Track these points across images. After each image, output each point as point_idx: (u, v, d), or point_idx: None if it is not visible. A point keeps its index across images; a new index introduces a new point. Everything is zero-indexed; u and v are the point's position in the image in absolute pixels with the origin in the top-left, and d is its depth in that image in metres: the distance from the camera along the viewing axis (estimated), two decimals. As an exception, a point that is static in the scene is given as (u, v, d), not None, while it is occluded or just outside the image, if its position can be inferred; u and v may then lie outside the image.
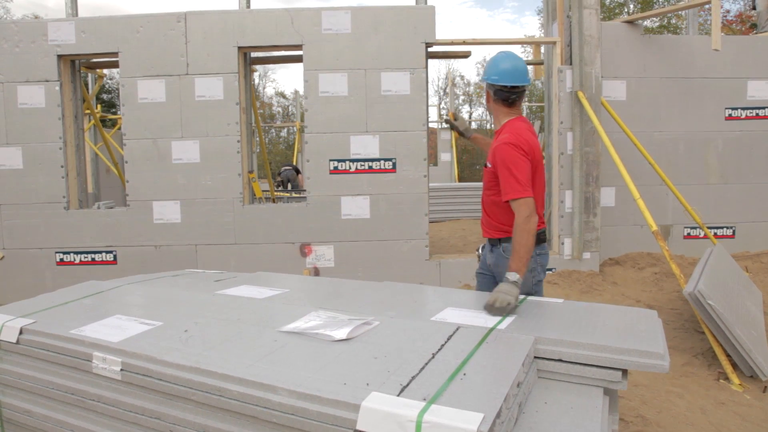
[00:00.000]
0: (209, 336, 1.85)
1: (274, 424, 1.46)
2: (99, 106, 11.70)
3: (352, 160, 5.43)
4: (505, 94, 2.61)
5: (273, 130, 30.00)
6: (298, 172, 13.10)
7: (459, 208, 10.55)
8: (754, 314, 4.18)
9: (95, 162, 10.07)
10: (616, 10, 22.88)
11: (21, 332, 2.00)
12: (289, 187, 12.87)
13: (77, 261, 5.47)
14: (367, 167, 5.43)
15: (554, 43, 5.71)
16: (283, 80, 54.17)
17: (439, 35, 5.49)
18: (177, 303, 2.29)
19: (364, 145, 5.42)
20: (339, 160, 5.43)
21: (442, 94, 31.61)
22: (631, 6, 22.76)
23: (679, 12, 12.71)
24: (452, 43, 5.70)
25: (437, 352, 1.67)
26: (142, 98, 5.38)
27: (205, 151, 5.41)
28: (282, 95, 34.22)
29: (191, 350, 1.72)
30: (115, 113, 14.57)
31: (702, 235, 5.86)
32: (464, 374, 1.52)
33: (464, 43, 5.70)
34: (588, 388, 1.73)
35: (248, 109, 5.82)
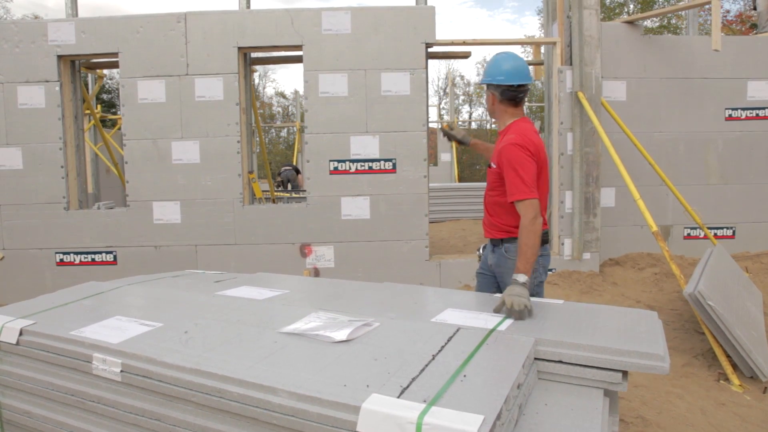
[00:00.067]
0: (209, 337, 1.85)
1: (275, 426, 1.46)
2: (99, 106, 11.70)
3: (352, 161, 5.43)
4: (512, 94, 2.61)
5: (273, 130, 30.00)
6: (298, 172, 13.11)
7: (459, 208, 10.56)
8: (754, 315, 4.18)
9: (95, 162, 10.06)
10: (617, 10, 22.88)
11: (21, 333, 2.00)
12: (289, 187, 12.87)
13: (77, 261, 5.47)
14: (367, 168, 5.43)
15: (554, 43, 5.71)
16: (283, 80, 54.22)
17: (439, 35, 5.49)
18: (177, 304, 2.29)
19: (364, 146, 5.42)
20: (339, 161, 5.43)
21: (442, 94, 31.61)
22: (631, 6, 22.77)
23: (679, 12, 12.72)
24: (452, 44, 5.70)
25: (437, 353, 1.67)
26: (142, 98, 5.38)
27: (205, 151, 5.40)
28: (282, 95, 34.24)
29: (191, 352, 1.72)
30: (115, 113, 14.57)
31: (702, 235, 5.86)
32: (464, 376, 1.52)
33: (464, 43, 5.70)
34: (588, 389, 1.73)
35: (248, 110, 5.82)
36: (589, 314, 2.16)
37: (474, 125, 27.16)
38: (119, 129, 10.14)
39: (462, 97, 33.25)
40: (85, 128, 8.63)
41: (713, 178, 6.07)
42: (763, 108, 6.03)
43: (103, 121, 12.05)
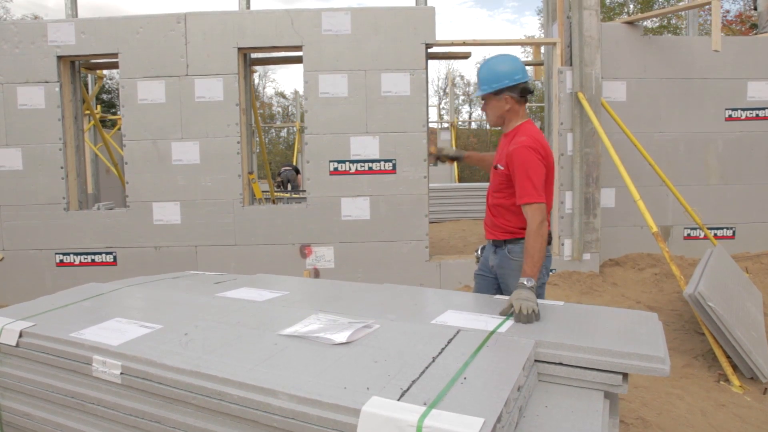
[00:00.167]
0: (209, 339, 1.85)
1: (275, 429, 1.46)
2: (99, 106, 11.70)
3: (352, 161, 5.43)
4: (526, 91, 2.63)
5: (273, 130, 30.00)
6: (297, 172, 13.11)
7: (459, 208, 10.56)
8: (755, 315, 4.18)
9: (95, 163, 10.06)
10: (617, 10, 22.88)
11: (21, 335, 2.00)
12: (289, 187, 12.87)
13: (77, 262, 5.46)
14: (367, 168, 5.43)
15: (554, 44, 5.71)
16: (282, 80, 54.24)
17: (439, 35, 5.50)
18: (177, 306, 2.28)
19: (364, 146, 5.42)
20: (339, 161, 5.43)
21: (442, 94, 31.62)
22: (631, 6, 22.77)
23: (679, 12, 12.71)
24: (452, 44, 5.70)
25: (438, 355, 1.67)
26: (142, 99, 5.38)
27: (205, 152, 5.40)
28: (282, 95, 34.25)
29: (191, 354, 1.72)
30: (115, 113, 14.57)
31: (702, 235, 5.86)
32: (465, 378, 1.51)
33: (464, 44, 5.70)
34: (588, 391, 1.73)
35: (248, 110, 5.82)
36: (590, 316, 2.16)
37: (474, 125, 27.15)
38: (119, 129, 10.14)
39: (462, 97, 33.24)
40: (85, 129, 8.63)
41: (713, 179, 6.07)
42: (763, 108, 6.03)
43: (102, 121, 12.05)
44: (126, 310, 2.24)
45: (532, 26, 51.66)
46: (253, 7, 5.61)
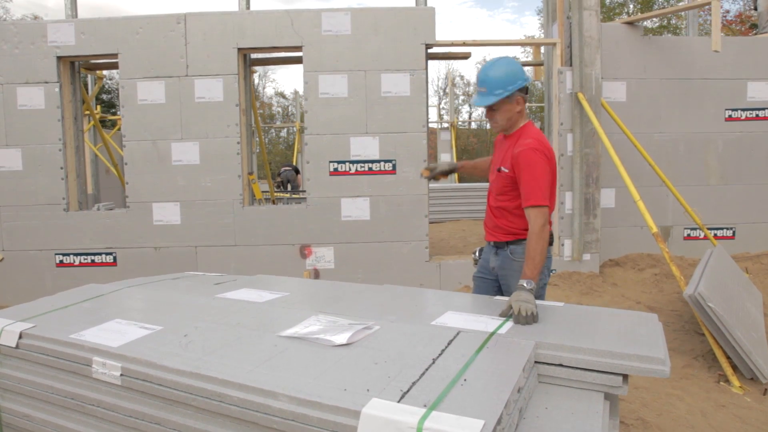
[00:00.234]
0: (209, 341, 1.85)
1: (275, 431, 1.45)
2: (99, 107, 11.70)
3: (352, 162, 5.43)
4: (527, 89, 2.62)
5: (273, 131, 30.00)
6: (297, 172, 13.11)
7: (459, 208, 10.56)
8: (755, 316, 4.18)
9: (95, 163, 10.06)
10: (617, 10, 22.89)
11: (20, 336, 2.00)
12: (289, 187, 12.87)
13: (77, 263, 5.46)
14: (367, 169, 5.43)
15: (554, 44, 5.70)
16: (282, 80, 54.28)
17: (439, 35, 5.49)
18: (177, 307, 2.28)
19: (364, 147, 5.42)
20: (339, 162, 5.43)
21: (441, 94, 31.62)
22: (631, 6, 22.78)
23: (679, 12, 12.72)
24: (452, 45, 5.70)
25: (438, 357, 1.67)
26: (141, 100, 5.38)
27: (205, 152, 5.40)
28: (282, 95, 34.27)
29: (191, 355, 1.72)
30: (114, 113, 14.57)
31: (702, 236, 5.86)
32: (465, 380, 1.51)
33: (464, 44, 5.70)
34: (589, 393, 1.73)
35: (248, 111, 5.82)
36: (590, 317, 2.16)
37: (474, 125, 27.16)
38: (119, 129, 10.13)
39: (462, 97, 33.25)
40: (85, 129, 8.62)
41: (713, 179, 6.07)
42: (763, 109, 6.03)
43: (102, 121, 12.05)
44: (126, 312, 2.23)
45: (532, 26, 51.69)
46: (253, 7, 5.61)
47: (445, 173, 3.03)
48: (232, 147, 5.40)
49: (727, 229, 6.11)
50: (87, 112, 8.12)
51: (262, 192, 6.92)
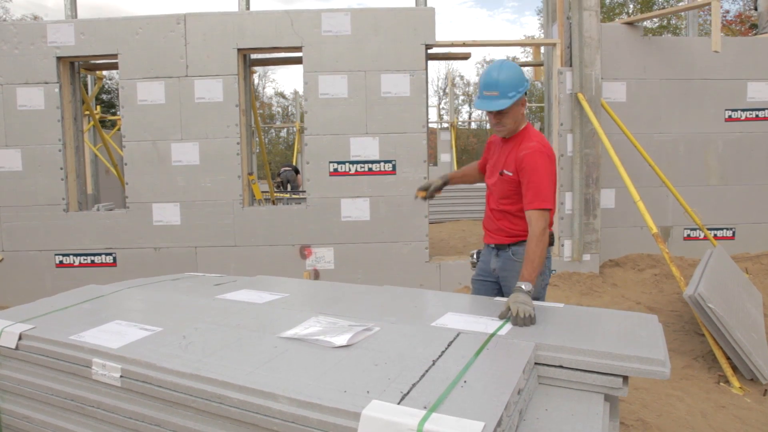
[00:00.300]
0: (209, 342, 1.85)
1: (275, 432, 1.45)
2: (98, 107, 11.69)
3: (352, 162, 5.43)
4: None
5: (272, 131, 30.00)
6: (297, 172, 13.10)
7: (459, 209, 10.56)
8: (755, 317, 4.18)
9: (95, 163, 10.06)
10: (617, 10, 22.90)
11: (20, 338, 2.00)
12: (289, 188, 12.86)
13: (77, 263, 5.46)
14: (366, 169, 5.43)
15: (554, 44, 5.70)
16: (282, 80, 54.31)
17: (439, 35, 5.49)
18: (177, 308, 2.28)
19: (364, 147, 5.42)
20: (339, 162, 5.42)
21: (441, 94, 31.63)
22: (631, 6, 22.79)
23: (679, 13, 12.73)
24: (452, 45, 5.70)
25: (438, 358, 1.67)
26: (141, 100, 5.37)
27: (205, 153, 5.40)
28: (281, 95, 34.27)
29: (191, 357, 1.72)
30: (114, 113, 14.57)
31: (702, 236, 5.86)
32: (465, 381, 1.51)
33: (464, 44, 5.70)
34: (589, 394, 1.73)
35: (248, 111, 5.82)
36: (590, 318, 2.16)
37: (474, 125, 27.18)
38: (119, 130, 10.13)
39: (462, 97, 33.26)
40: (85, 129, 8.62)
41: (713, 179, 6.07)
42: (763, 109, 6.03)
43: (102, 121, 12.04)
44: (126, 313, 2.23)
45: (532, 26, 51.73)
46: (252, 7, 5.61)
47: (439, 189, 2.97)
48: (232, 147, 5.40)
49: (727, 229, 6.11)
50: (87, 113, 8.12)
51: (262, 192, 6.92)
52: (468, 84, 33.69)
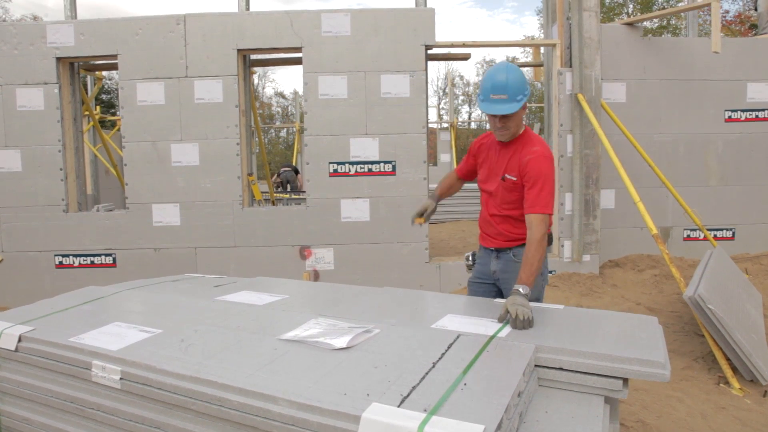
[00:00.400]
0: (209, 344, 1.84)
1: (275, 435, 1.45)
2: (98, 107, 11.69)
3: (352, 163, 5.42)
4: None
5: (272, 131, 30.01)
6: (297, 172, 13.10)
7: (459, 209, 10.55)
8: (754, 318, 4.18)
9: (94, 164, 10.06)
10: (616, 11, 22.90)
11: (20, 340, 2.00)
12: (289, 188, 12.86)
13: (76, 264, 5.46)
14: (366, 170, 5.43)
15: (554, 45, 5.70)
16: (282, 80, 54.33)
17: (439, 35, 5.49)
18: (176, 310, 2.28)
19: (364, 148, 5.42)
20: (338, 163, 5.42)
21: (441, 94, 31.63)
22: (631, 6, 22.79)
23: (679, 13, 12.73)
24: (452, 46, 5.70)
25: (438, 361, 1.67)
26: (141, 101, 5.37)
27: (205, 153, 5.40)
28: (281, 95, 34.27)
29: (191, 359, 1.71)
30: (114, 113, 14.56)
31: (702, 237, 5.86)
32: (465, 384, 1.51)
33: (464, 45, 5.70)
34: (589, 396, 1.73)
35: (248, 112, 5.82)
36: (590, 320, 2.16)
37: (474, 125, 27.17)
38: (118, 130, 10.13)
39: (462, 97, 33.26)
40: (84, 129, 8.62)
41: (713, 180, 6.07)
42: (763, 110, 6.03)
43: (102, 121, 12.04)
44: (125, 314, 2.23)
45: (531, 26, 51.75)
46: (252, 8, 5.61)
47: (434, 210, 2.90)
48: (232, 148, 5.40)
49: (727, 230, 6.11)
50: (86, 113, 8.11)
51: (262, 193, 6.92)
52: (468, 84, 33.71)
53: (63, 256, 5.45)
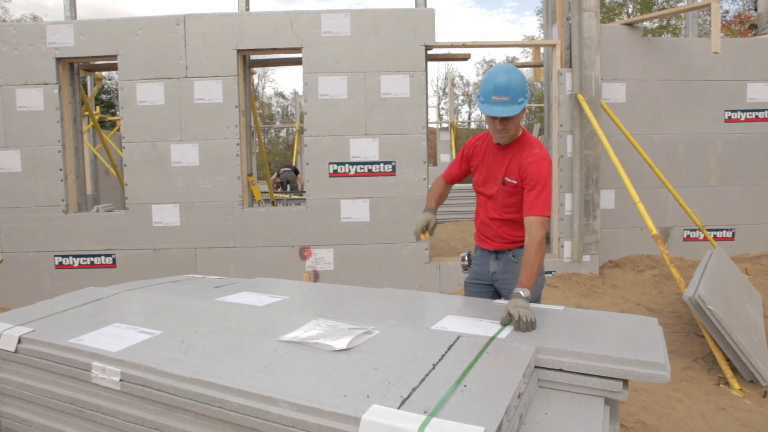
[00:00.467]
0: (209, 346, 1.84)
1: (274, 437, 1.45)
2: (98, 108, 11.69)
3: (352, 163, 5.42)
4: None
5: (272, 131, 30.01)
6: (297, 172, 13.10)
7: (459, 209, 10.54)
8: (754, 318, 4.18)
9: (94, 164, 10.05)
10: (616, 11, 22.90)
11: (19, 341, 2.00)
12: (288, 188, 12.86)
13: (76, 264, 5.46)
14: (366, 170, 5.43)
15: (554, 45, 5.70)
16: (282, 80, 54.32)
17: (439, 35, 5.50)
18: (176, 311, 2.28)
19: (364, 148, 5.41)
20: (338, 163, 5.42)
21: (441, 94, 31.64)
22: (630, 7, 22.79)
23: (679, 14, 12.73)
24: (452, 46, 5.70)
25: (438, 362, 1.67)
26: (141, 101, 5.37)
27: (205, 154, 5.40)
28: (281, 95, 34.28)
29: (191, 360, 1.71)
30: (114, 114, 14.56)
31: (702, 237, 5.86)
32: (465, 386, 1.51)
33: (464, 45, 5.70)
34: (589, 398, 1.72)
35: (247, 112, 5.81)
36: (590, 321, 2.16)
37: (474, 125, 27.17)
38: (118, 130, 10.12)
39: (461, 97, 33.27)
40: (84, 130, 8.61)
41: (713, 180, 6.07)
42: (763, 110, 6.03)
43: (102, 121, 12.04)
44: (125, 316, 2.23)
45: (531, 26, 51.76)
46: (252, 8, 5.60)
47: (436, 222, 2.81)
48: (232, 148, 5.40)
49: (727, 230, 6.11)
50: (86, 113, 8.11)
51: (262, 193, 6.92)
52: (468, 84, 33.72)
53: (63, 256, 5.45)
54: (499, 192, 2.62)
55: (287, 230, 5.45)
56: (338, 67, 5.36)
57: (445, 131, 16.59)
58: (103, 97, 20.59)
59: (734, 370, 3.69)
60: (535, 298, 2.61)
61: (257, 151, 9.79)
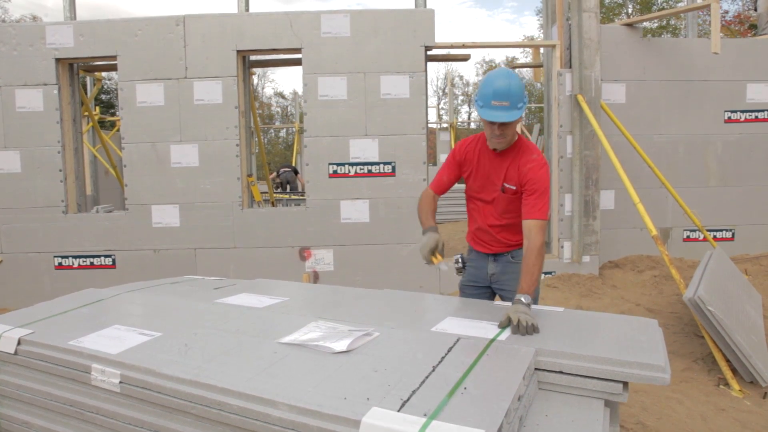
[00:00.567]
0: (208, 348, 1.84)
1: (274, 439, 1.45)
2: (98, 108, 11.68)
3: (352, 164, 5.42)
4: None
5: (272, 131, 30.02)
6: (296, 172, 13.10)
7: (459, 210, 10.54)
8: (754, 319, 4.18)
9: (94, 165, 10.04)
10: (616, 11, 22.90)
11: (19, 343, 1.99)
12: (288, 189, 12.86)
13: (76, 265, 5.45)
14: (366, 171, 5.43)
15: (554, 46, 5.70)
16: (281, 80, 54.30)
17: (438, 35, 5.49)
18: (176, 312, 2.28)
19: (363, 149, 5.41)
20: (338, 164, 5.42)
21: (441, 94, 31.64)
22: (630, 7, 22.79)
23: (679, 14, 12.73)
24: (452, 46, 5.70)
25: (438, 364, 1.67)
26: (140, 102, 5.37)
27: (204, 154, 5.39)
28: (281, 95, 34.28)
29: (190, 363, 1.71)
30: (113, 114, 14.55)
31: (701, 237, 5.86)
32: (465, 388, 1.51)
33: (464, 46, 5.70)
34: (589, 400, 1.72)
35: (247, 113, 5.81)
36: (590, 323, 2.16)
37: (473, 125, 27.16)
38: (118, 130, 10.12)
39: (461, 98, 33.27)
40: (84, 130, 8.61)
41: (712, 180, 6.07)
42: (762, 110, 6.03)
43: (101, 122, 12.03)
44: (125, 317, 2.23)
45: (531, 26, 51.76)
46: (252, 9, 5.60)
47: (443, 241, 2.79)
48: (231, 149, 5.39)
49: (727, 230, 6.11)
50: (86, 114, 8.10)
51: (261, 194, 6.92)
52: (467, 84, 33.73)
53: (62, 257, 5.45)
54: (499, 199, 2.61)
55: (287, 231, 5.45)
56: (338, 68, 5.36)
57: (444, 131, 16.59)
58: (103, 97, 20.58)
59: (734, 371, 3.69)
60: (533, 299, 2.61)
61: (257, 151, 9.79)
